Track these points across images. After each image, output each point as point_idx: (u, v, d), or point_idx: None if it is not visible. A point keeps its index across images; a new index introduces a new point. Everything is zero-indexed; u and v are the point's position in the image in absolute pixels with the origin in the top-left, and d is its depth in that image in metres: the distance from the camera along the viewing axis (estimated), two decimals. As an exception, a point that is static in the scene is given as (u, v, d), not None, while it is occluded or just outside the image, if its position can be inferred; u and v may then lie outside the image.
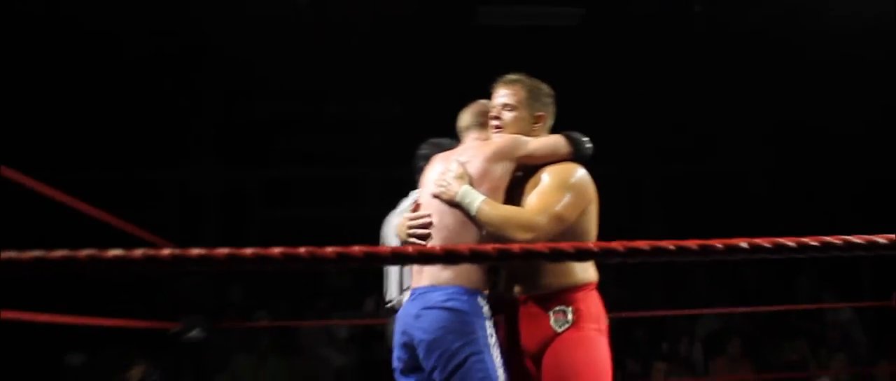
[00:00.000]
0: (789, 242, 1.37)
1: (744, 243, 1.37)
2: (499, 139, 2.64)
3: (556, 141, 2.59)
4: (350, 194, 9.48)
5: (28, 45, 7.15)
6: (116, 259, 1.19)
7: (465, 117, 2.81)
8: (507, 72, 2.71)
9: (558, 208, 2.41)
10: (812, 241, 1.37)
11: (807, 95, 7.93)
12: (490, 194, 2.48)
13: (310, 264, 1.23)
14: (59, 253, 1.18)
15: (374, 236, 3.14)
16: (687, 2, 6.97)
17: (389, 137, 9.19)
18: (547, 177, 2.49)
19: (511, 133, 2.60)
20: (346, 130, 9.47)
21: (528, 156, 2.57)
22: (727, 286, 8.06)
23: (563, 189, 2.44)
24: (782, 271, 8.04)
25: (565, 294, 2.45)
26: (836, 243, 1.37)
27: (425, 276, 2.56)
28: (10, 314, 3.07)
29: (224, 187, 9.39)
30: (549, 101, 2.68)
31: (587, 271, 2.48)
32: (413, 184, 2.94)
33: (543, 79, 2.73)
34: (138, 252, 1.21)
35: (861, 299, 7.16)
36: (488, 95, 2.71)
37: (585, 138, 2.58)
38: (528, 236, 2.35)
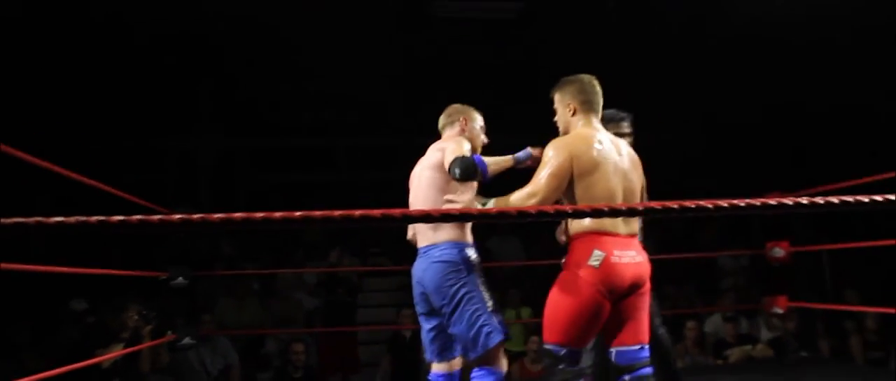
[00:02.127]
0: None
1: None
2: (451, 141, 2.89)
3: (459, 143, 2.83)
4: (324, 162, 9.50)
5: (50, 31, 7.07)
6: (139, 223, 1.27)
7: (441, 119, 3.12)
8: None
9: (538, 179, 2.55)
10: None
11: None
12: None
13: (282, 225, 1.31)
14: (94, 218, 1.25)
15: (345, 197, 3.21)
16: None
17: (360, 112, 9.20)
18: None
19: (561, 124, 2.77)
20: (322, 106, 9.42)
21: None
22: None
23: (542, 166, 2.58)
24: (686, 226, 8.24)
25: (568, 244, 2.65)
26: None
27: (425, 238, 2.90)
28: (25, 267, 3.12)
29: (217, 155, 9.37)
30: (569, 87, 2.76)
31: (580, 224, 2.59)
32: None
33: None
34: (155, 217, 1.30)
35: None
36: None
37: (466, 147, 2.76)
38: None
